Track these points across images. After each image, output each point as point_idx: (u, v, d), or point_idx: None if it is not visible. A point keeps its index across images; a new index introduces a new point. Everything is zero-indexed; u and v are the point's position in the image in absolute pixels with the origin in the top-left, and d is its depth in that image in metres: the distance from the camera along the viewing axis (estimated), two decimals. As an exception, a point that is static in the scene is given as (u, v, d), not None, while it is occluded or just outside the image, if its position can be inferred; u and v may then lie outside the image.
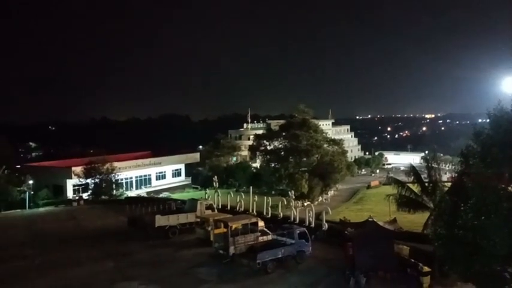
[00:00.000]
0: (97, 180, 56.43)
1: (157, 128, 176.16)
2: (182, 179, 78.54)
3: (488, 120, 15.86)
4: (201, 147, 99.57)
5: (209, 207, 34.53)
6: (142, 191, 66.42)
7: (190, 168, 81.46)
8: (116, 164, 59.50)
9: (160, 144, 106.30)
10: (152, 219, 31.78)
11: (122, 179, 62.22)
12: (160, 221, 31.78)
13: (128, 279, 23.03)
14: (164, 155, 74.13)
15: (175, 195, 60.47)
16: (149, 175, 71.66)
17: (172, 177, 76.74)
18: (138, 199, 51.83)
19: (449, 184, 26.34)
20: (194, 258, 26.40)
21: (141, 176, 70.08)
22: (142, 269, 24.63)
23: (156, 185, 71.78)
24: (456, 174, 20.49)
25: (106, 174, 57.00)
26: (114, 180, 58.09)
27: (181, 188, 74.10)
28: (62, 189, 58.62)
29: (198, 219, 31.91)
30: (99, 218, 40.86)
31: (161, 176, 74.32)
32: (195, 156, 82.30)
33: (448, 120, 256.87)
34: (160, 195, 61.12)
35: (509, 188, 14.24)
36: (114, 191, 57.92)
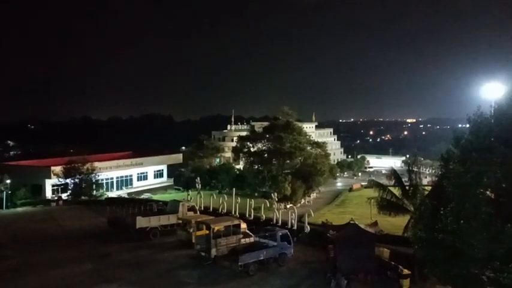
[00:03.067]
0: (77, 180, 55.46)
1: (139, 127, 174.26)
2: (164, 180, 77.82)
3: (468, 126, 16.10)
4: (183, 148, 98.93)
5: (191, 208, 34.27)
6: (123, 192, 65.57)
7: (172, 169, 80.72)
8: (96, 164, 58.60)
9: (142, 145, 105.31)
10: (133, 220, 31.37)
11: (102, 179, 61.29)
12: (142, 222, 31.39)
13: (108, 281, 22.66)
14: (146, 156, 73.32)
15: (157, 197, 59.86)
16: (130, 176, 70.76)
17: (154, 178, 75.95)
18: (118, 200, 51.08)
19: (429, 188, 26.74)
20: (175, 260, 26.15)
21: (122, 177, 69.14)
22: (122, 270, 24.26)
23: (137, 185, 70.93)
24: (436, 178, 20.82)
25: (86, 174, 56.08)
26: (94, 181, 57.19)
27: (163, 189, 73.42)
28: (41, 189, 57.37)
29: (180, 221, 31.62)
30: (78, 218, 40.13)
31: (143, 177, 73.48)
32: (177, 157, 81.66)
33: (429, 125, 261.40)
34: (142, 196, 60.45)
35: (488, 193, 14.48)
36: (94, 191, 57.04)
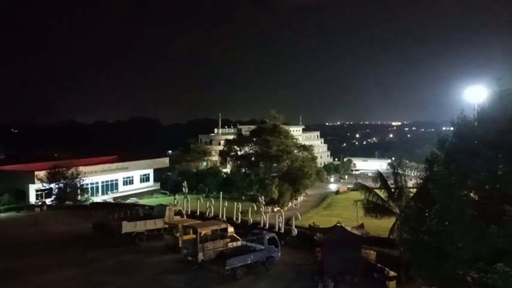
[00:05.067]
0: (61, 185, 54.65)
1: (126, 131, 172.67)
2: (150, 184, 77.21)
3: (452, 129, 16.34)
4: (170, 151, 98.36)
5: (178, 213, 34.04)
6: (109, 197, 64.86)
7: (159, 173, 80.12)
8: (81, 168, 57.85)
9: (129, 148, 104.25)
10: (119, 225, 31.03)
11: (87, 184, 60.52)
12: (127, 227, 31.06)
13: (95, 286, 22.39)
14: (132, 160, 72.61)
15: (143, 201, 59.37)
16: (116, 180, 70.03)
17: (140, 182, 75.30)
18: (104, 204, 50.49)
19: (414, 190, 27.04)
20: (162, 264, 25.93)
21: (107, 181, 68.38)
22: (108, 276, 23.94)
23: (123, 190, 70.22)
24: (421, 181, 21.06)
25: (71, 179, 55.29)
26: (79, 185, 56.41)
27: (150, 193, 72.82)
28: (25, 194, 56.40)
29: (167, 225, 31.39)
30: (63, 223, 39.51)
31: (128, 181, 72.78)
32: (164, 161, 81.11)
33: (413, 128, 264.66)
34: (128, 201, 59.86)
35: (472, 195, 14.70)
36: (79, 196, 56.26)
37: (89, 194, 60.33)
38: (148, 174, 77.53)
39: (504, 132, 13.76)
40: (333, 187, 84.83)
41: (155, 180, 78.77)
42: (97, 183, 66.20)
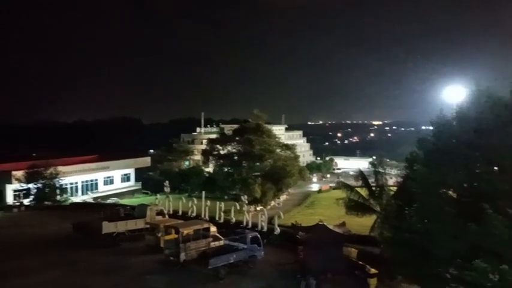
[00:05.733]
0: (40, 185, 53.55)
1: (106, 131, 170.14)
2: (132, 184, 76.34)
3: (431, 128, 16.61)
4: (152, 151, 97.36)
5: (160, 212, 33.77)
6: (89, 197, 63.90)
7: (140, 173, 79.25)
8: (60, 168, 56.75)
9: (109, 148, 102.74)
10: (99, 225, 30.59)
11: (66, 184, 59.48)
12: (108, 227, 30.64)
13: (76, 288, 22.00)
14: (112, 159, 71.61)
15: (124, 201, 58.72)
16: (96, 180, 69.03)
17: (121, 182, 74.37)
18: (84, 205, 49.73)
19: (395, 188, 27.46)
20: (144, 265, 25.65)
21: (87, 181, 67.37)
22: (90, 277, 23.57)
23: (103, 190, 69.24)
24: (401, 179, 21.41)
25: (49, 179, 54.23)
26: (58, 185, 55.38)
27: (131, 193, 72.02)
28: (1, 194, 55.08)
29: (148, 226, 31.08)
30: (42, 224, 38.70)
31: (109, 181, 71.81)
32: (145, 161, 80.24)
33: (394, 127, 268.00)
34: (108, 201, 59.06)
35: (451, 193, 14.97)
36: (58, 196, 55.22)
37: (68, 194, 59.28)
38: (129, 173, 76.64)
39: (482, 131, 14.04)
40: (315, 186, 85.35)
41: (136, 180, 77.93)
42: (76, 183, 65.13)
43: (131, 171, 76.95)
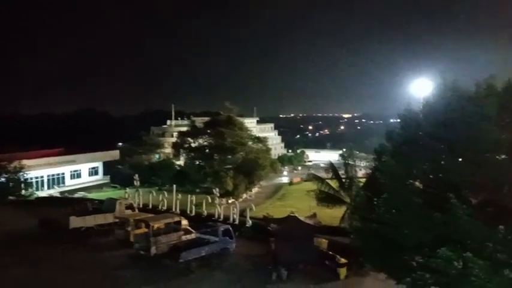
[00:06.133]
0: (3, 179, 51.56)
1: (73, 123, 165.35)
2: (100, 178, 74.66)
3: (399, 121, 16.98)
4: (121, 144, 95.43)
5: (129, 206, 33.26)
6: (55, 191, 62.10)
7: (109, 166, 77.58)
8: (25, 161, 54.77)
9: (77, 141, 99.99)
10: (66, 220, 29.83)
11: (31, 178, 57.57)
12: (76, 222, 29.93)
13: (46, 284, 21.44)
14: (79, 152, 69.75)
15: (92, 195, 57.40)
16: (62, 174, 67.14)
17: (89, 175, 72.64)
18: (50, 199, 48.32)
19: (364, 180, 28.04)
20: (114, 260, 25.21)
21: (53, 175, 65.41)
22: (60, 273, 22.94)
23: (70, 184, 67.45)
24: (370, 171, 21.85)
25: (13, 173, 52.28)
26: (22, 180, 53.48)
27: (99, 187, 70.43)
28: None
29: (117, 220, 30.56)
30: (7, 220, 37.18)
31: (76, 175, 69.99)
32: (114, 154, 78.54)
33: (363, 120, 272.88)
34: (75, 195, 57.63)
35: (417, 184, 15.38)
36: (23, 191, 53.36)
37: (34, 189, 57.39)
38: (97, 167, 74.94)
39: (447, 123, 14.45)
40: (284, 178, 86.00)
41: (105, 173, 76.28)
42: (42, 177, 63.17)
43: (99, 165, 75.25)
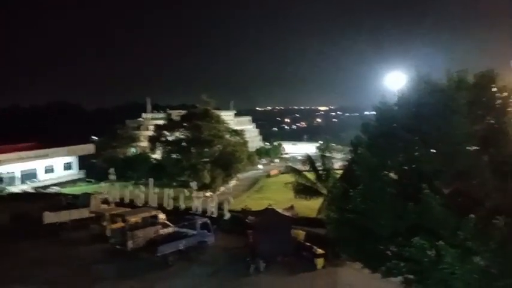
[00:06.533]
0: (-28, 175, 50.00)
1: (45, 116, 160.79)
2: (74, 173, 73.08)
3: (374, 113, 17.22)
4: (95, 138, 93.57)
5: (105, 201, 32.80)
6: (28, 186, 60.50)
7: (83, 161, 76.00)
8: (-5, 156, 53.29)
9: (50, 135, 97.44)
10: (40, 216, 29.20)
11: (2, 173, 55.94)
12: (49, 217, 29.34)
13: (21, 281, 21.04)
14: (52, 147, 68.04)
15: (66, 190, 56.23)
16: (35, 169, 65.44)
17: (63, 170, 71.04)
18: (23, 195, 47.17)
19: (340, 171, 28.43)
20: (90, 255, 24.96)
21: (25, 170, 63.68)
22: (35, 269, 22.61)
23: (44, 179, 65.78)
24: (346, 163, 22.13)
25: (-17, 169, 50.75)
26: (-7, 175, 52.01)
27: (73, 182, 68.99)
28: None
29: (93, 215, 30.10)
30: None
31: (49, 170, 68.33)
32: (88, 148, 76.90)
33: (339, 113, 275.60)
34: (49, 190, 56.35)
35: (392, 175, 15.70)
36: (-6, 186, 51.92)
37: (5, 184, 55.82)
38: (72, 162, 73.33)
39: (420, 116, 14.78)
40: (259, 169, 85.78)
41: (79, 168, 74.73)
42: (14, 172, 61.42)
43: (73, 159, 73.63)
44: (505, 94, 14.93)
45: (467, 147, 14.16)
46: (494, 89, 15.06)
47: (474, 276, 12.78)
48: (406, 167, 15.49)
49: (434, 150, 14.80)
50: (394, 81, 25.68)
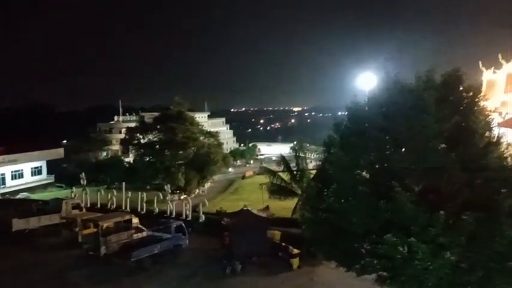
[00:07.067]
0: None
1: (12, 119, 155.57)
2: (44, 177, 70.91)
3: (346, 113, 17.45)
4: (65, 141, 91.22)
5: (76, 206, 32.03)
6: (-5, 193, 58.42)
7: (53, 165, 73.88)
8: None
9: (18, 138, 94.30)
10: (8, 223, 28.24)
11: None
12: (18, 224, 28.41)
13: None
14: (21, 151, 65.80)
15: (36, 196, 54.68)
16: (3, 174, 63.20)
17: (32, 175, 68.77)
18: (-11, 202, 45.43)
19: (314, 171, 28.70)
20: (62, 261, 24.37)
21: (-8, 176, 61.49)
22: (6, 276, 21.84)
23: (12, 185, 63.52)
24: (320, 162, 22.35)
25: None
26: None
27: (43, 187, 67.04)
28: None
29: (64, 220, 29.35)
30: None
31: (18, 175, 66.07)
32: (58, 152, 74.74)
33: (313, 113, 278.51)
34: (18, 196, 54.58)
35: (364, 174, 15.94)
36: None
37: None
38: (41, 166, 71.12)
39: (390, 115, 15.06)
40: (230, 174, 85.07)
41: (49, 172, 72.59)
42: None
43: (43, 164, 71.41)
44: (472, 93, 15.40)
45: (436, 146, 14.50)
46: (461, 88, 15.52)
47: (446, 271, 13.11)
48: (377, 166, 15.75)
49: (404, 149, 15.10)
50: (366, 81, 26.13)
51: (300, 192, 29.36)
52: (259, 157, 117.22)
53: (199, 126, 62.46)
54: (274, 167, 36.42)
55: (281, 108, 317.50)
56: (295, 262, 23.03)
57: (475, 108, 15.28)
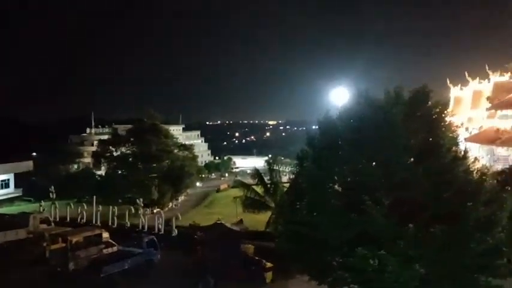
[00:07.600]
0: None
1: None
2: (11, 191, 68.42)
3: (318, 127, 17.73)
4: (35, 154, 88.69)
5: (44, 220, 31.07)
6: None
7: (21, 179, 71.53)
8: None
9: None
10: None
11: None
12: (-19, 240, 27.27)
13: None
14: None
15: (3, 210, 52.66)
16: (-33, 188, 60.77)
17: (-1, 188, 66.46)
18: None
19: (288, 185, 28.90)
20: (28, 278, 23.41)
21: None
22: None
23: (-24, 199, 61.21)
24: (293, 176, 22.55)
25: None
26: None
27: (10, 201, 64.73)
28: None
29: (31, 235, 28.38)
30: None
31: (-17, 189, 63.70)
32: (27, 165, 72.39)
33: (287, 127, 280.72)
34: (-17, 211, 52.42)
35: (336, 187, 16.18)
36: None
37: None
38: (8, 179, 68.76)
39: (360, 130, 15.42)
40: (201, 187, 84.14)
41: (17, 186, 70.22)
42: None
43: (10, 177, 69.09)
44: (439, 109, 15.94)
45: (404, 160, 14.89)
46: (428, 104, 16.04)
47: (415, 283, 13.36)
48: (349, 179, 16.02)
49: (374, 163, 15.44)
50: (339, 96, 26.71)
51: (273, 205, 29.47)
52: (234, 170, 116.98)
53: (174, 139, 62.00)
54: (248, 180, 36.47)
55: (256, 121, 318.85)
56: (269, 276, 22.94)
57: (442, 123, 15.81)
